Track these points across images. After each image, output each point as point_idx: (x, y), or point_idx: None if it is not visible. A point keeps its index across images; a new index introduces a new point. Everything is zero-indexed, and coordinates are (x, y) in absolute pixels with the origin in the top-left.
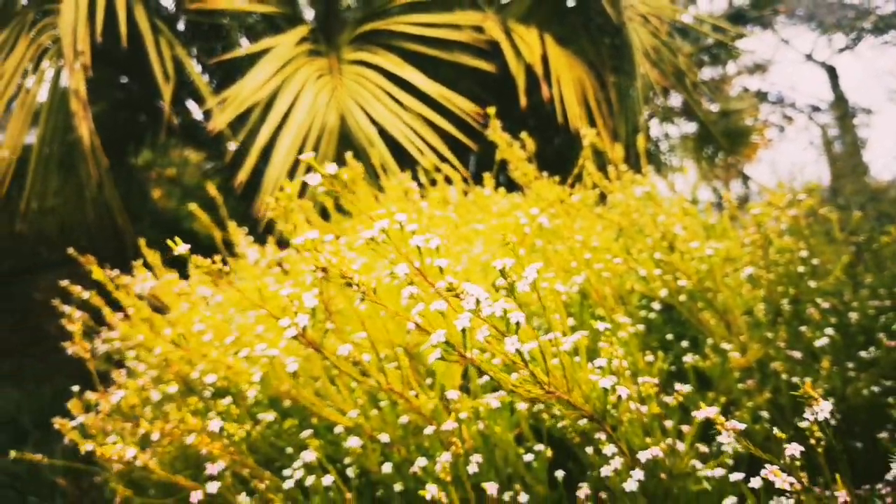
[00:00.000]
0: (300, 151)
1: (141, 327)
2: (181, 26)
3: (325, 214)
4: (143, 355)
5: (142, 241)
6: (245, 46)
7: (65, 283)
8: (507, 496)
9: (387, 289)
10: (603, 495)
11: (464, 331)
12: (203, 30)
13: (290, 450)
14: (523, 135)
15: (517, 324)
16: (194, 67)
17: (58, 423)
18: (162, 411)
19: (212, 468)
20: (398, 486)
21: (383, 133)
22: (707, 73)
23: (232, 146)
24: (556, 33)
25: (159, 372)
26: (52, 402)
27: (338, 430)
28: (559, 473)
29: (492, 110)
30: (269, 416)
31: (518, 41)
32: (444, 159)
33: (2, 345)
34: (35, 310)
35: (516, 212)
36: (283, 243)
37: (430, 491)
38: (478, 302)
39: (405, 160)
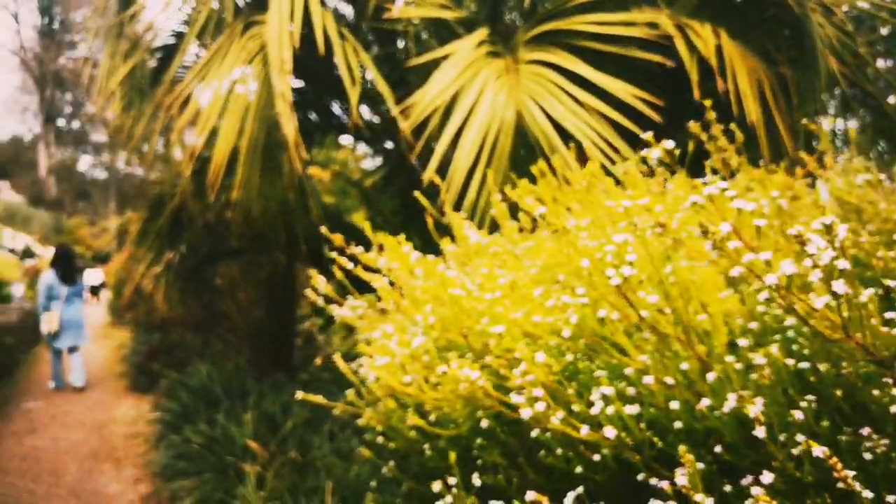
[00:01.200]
0: (481, 148)
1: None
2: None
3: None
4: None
5: (383, 235)
6: (420, 51)
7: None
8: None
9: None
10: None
11: (790, 276)
12: (379, 36)
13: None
14: (732, 126)
15: (842, 270)
16: (377, 71)
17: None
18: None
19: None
20: (678, 424)
21: (558, 128)
22: (881, 63)
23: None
24: (729, 27)
25: (436, 329)
26: (236, 375)
27: (628, 371)
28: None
29: (659, 103)
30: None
31: (692, 35)
32: (616, 151)
33: (193, 323)
34: (217, 292)
35: (750, 195)
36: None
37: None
38: (819, 248)
39: (580, 155)
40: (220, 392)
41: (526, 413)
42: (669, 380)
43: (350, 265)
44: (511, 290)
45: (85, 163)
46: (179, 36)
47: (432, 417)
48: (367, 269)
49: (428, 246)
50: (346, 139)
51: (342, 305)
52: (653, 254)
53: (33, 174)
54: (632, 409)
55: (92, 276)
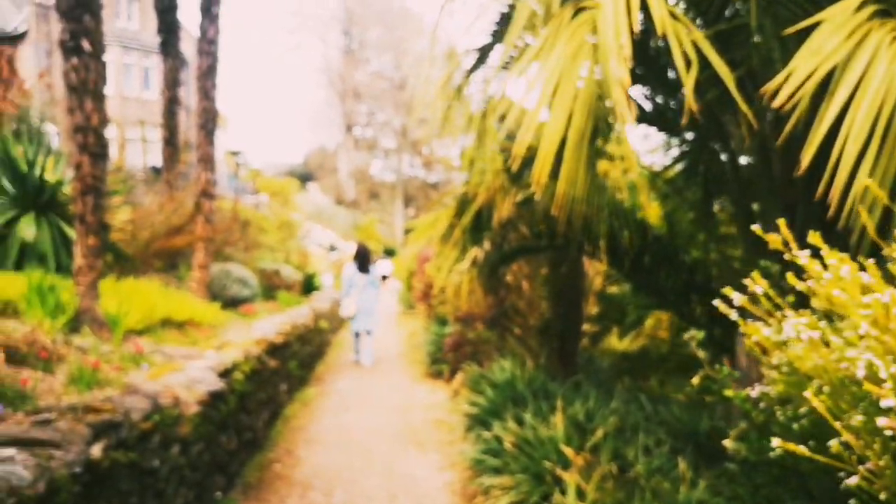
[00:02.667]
0: (873, 127)
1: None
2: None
3: None
4: None
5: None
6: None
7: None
8: None
9: None
10: None
11: None
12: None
13: None
14: None
15: None
16: (714, 52)
17: None
18: None
19: None
20: None
21: None
22: None
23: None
24: None
25: None
26: (537, 373)
27: None
28: None
29: None
30: None
31: None
32: None
33: (490, 318)
34: (508, 288)
35: None
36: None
37: None
38: None
39: None
40: (525, 390)
41: None
42: None
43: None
44: None
45: (376, 167)
46: (496, 34)
47: None
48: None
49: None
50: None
51: (770, 320)
52: None
53: (335, 178)
54: None
55: (383, 266)
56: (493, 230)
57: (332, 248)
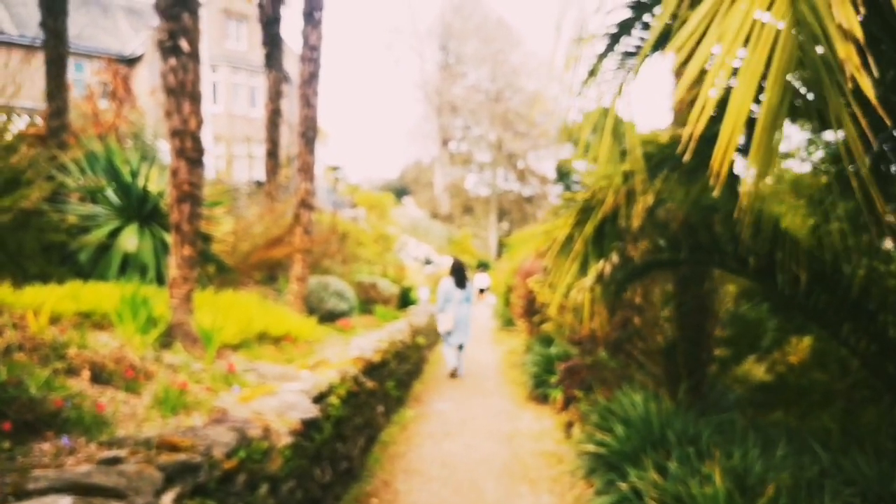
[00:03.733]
0: None
1: None
2: None
3: None
4: None
5: None
6: None
7: None
8: None
9: None
10: None
11: None
12: None
13: None
14: None
15: None
16: None
17: None
18: None
19: None
20: None
21: None
22: None
23: None
24: None
25: None
26: (676, 409)
27: None
28: None
29: None
30: None
31: None
32: None
33: (611, 341)
34: (628, 306)
35: None
36: None
37: None
38: None
39: None
40: (664, 431)
41: None
42: None
43: None
44: None
45: (471, 181)
46: (638, 6)
47: None
48: None
49: None
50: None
51: None
52: None
53: (430, 192)
54: None
55: (481, 279)
56: (623, 240)
57: (428, 262)
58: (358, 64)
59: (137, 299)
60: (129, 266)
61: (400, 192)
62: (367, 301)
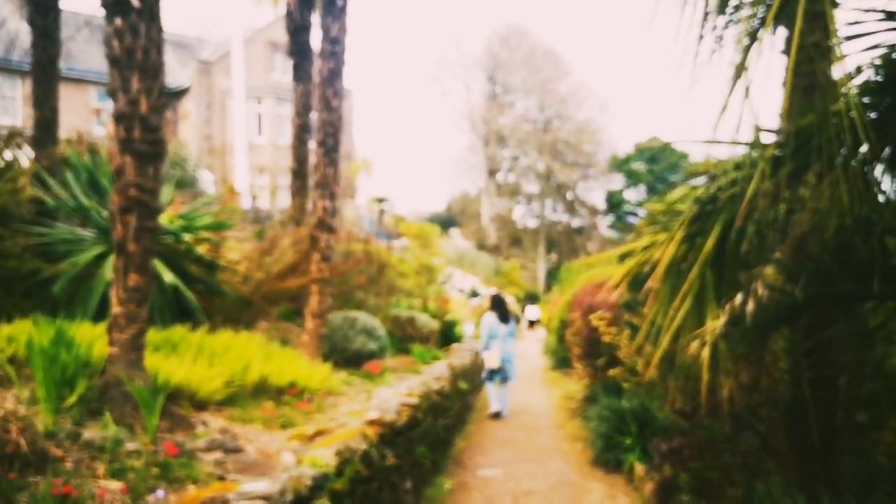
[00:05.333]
0: None
1: None
2: None
3: None
4: None
5: None
6: None
7: None
8: None
9: None
10: None
11: None
12: None
13: None
14: None
15: None
16: None
17: None
18: None
19: None
20: None
21: None
22: None
23: None
24: None
25: None
26: None
27: None
28: None
29: None
30: None
31: None
32: None
33: (737, 412)
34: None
35: None
36: None
37: None
38: None
39: None
40: None
41: None
42: None
43: None
44: None
45: (518, 212)
46: None
47: None
48: None
49: None
50: None
51: None
52: None
53: (477, 223)
54: None
55: (532, 311)
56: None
57: (474, 294)
58: (402, 99)
59: (59, 343)
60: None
61: (447, 223)
62: (404, 338)
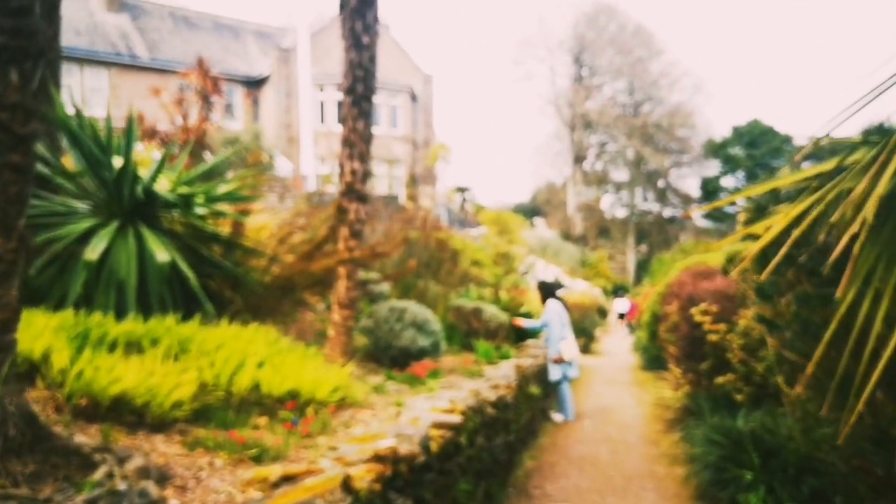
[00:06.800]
0: None
1: None
2: None
3: None
4: None
5: None
6: None
7: None
8: None
9: None
10: None
11: None
12: None
13: None
14: None
15: None
16: None
17: None
18: None
19: None
20: None
21: None
22: None
23: None
24: None
25: None
26: None
27: None
28: None
29: None
30: None
31: None
32: None
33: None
34: None
35: None
36: None
37: None
38: None
39: None
40: None
41: None
42: None
43: None
44: None
45: (606, 201)
46: None
47: None
48: None
49: None
50: None
51: None
52: None
53: (562, 212)
54: None
55: (621, 304)
56: None
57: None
58: (482, 84)
59: None
60: (102, 282)
61: (531, 213)
62: (469, 332)
